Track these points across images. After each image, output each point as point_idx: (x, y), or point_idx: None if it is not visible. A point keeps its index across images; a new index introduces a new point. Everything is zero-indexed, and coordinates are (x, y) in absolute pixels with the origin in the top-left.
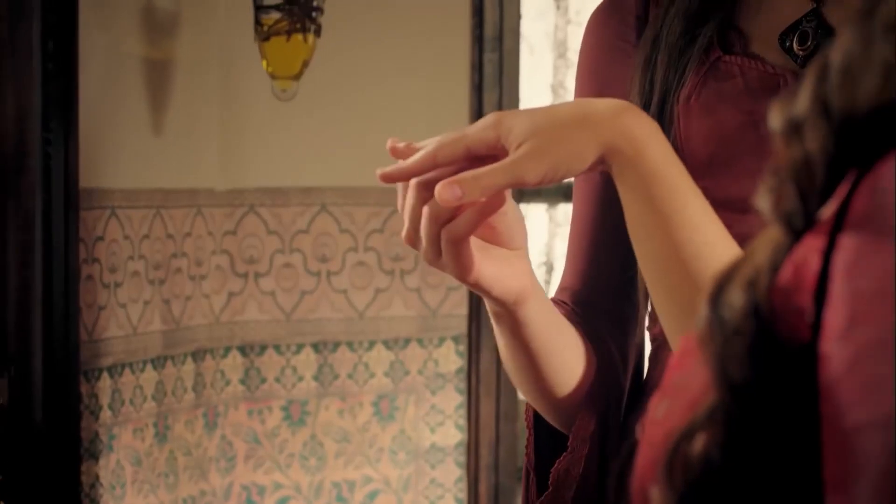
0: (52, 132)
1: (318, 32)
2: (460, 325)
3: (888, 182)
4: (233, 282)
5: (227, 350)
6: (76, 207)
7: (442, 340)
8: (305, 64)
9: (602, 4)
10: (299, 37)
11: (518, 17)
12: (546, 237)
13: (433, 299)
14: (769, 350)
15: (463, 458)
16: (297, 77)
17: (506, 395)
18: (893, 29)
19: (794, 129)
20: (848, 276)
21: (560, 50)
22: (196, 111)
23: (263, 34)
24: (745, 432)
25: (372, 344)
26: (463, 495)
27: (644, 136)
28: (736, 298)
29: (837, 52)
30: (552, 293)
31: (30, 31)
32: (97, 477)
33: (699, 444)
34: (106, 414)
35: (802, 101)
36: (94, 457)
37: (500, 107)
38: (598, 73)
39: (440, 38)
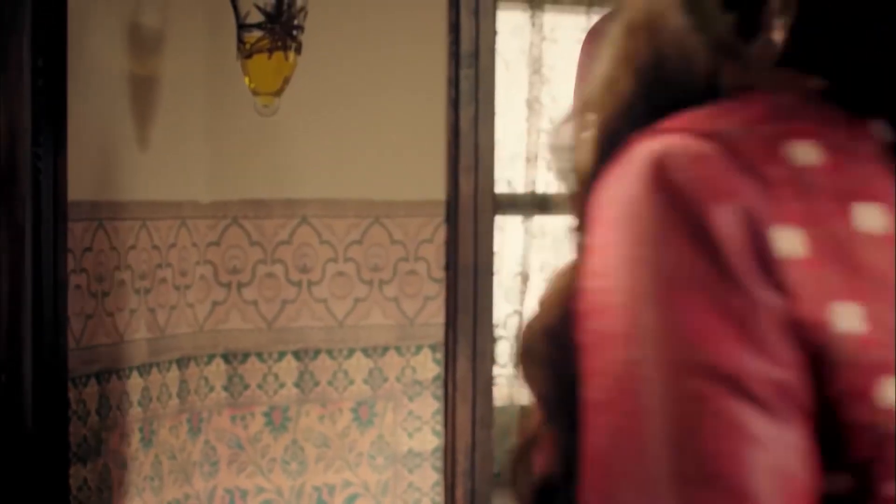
0: (42, 146)
1: (298, 50)
2: (437, 334)
3: (598, 195)
4: (216, 291)
5: (211, 358)
6: (65, 219)
7: (419, 348)
8: (286, 80)
9: (602, 18)
10: (280, 54)
11: (494, 34)
12: (521, 249)
13: (411, 308)
14: (563, 366)
15: (440, 464)
16: (279, 93)
17: (481, 401)
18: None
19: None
20: (584, 275)
21: (535, 66)
22: (181, 126)
23: (246, 52)
24: (563, 443)
25: (351, 352)
26: (440, 499)
27: None
28: (535, 322)
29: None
30: (529, 303)
31: (20, 48)
32: (85, 480)
33: (534, 456)
34: (93, 419)
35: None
36: (83, 461)
37: (475, 121)
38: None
39: (417, 54)
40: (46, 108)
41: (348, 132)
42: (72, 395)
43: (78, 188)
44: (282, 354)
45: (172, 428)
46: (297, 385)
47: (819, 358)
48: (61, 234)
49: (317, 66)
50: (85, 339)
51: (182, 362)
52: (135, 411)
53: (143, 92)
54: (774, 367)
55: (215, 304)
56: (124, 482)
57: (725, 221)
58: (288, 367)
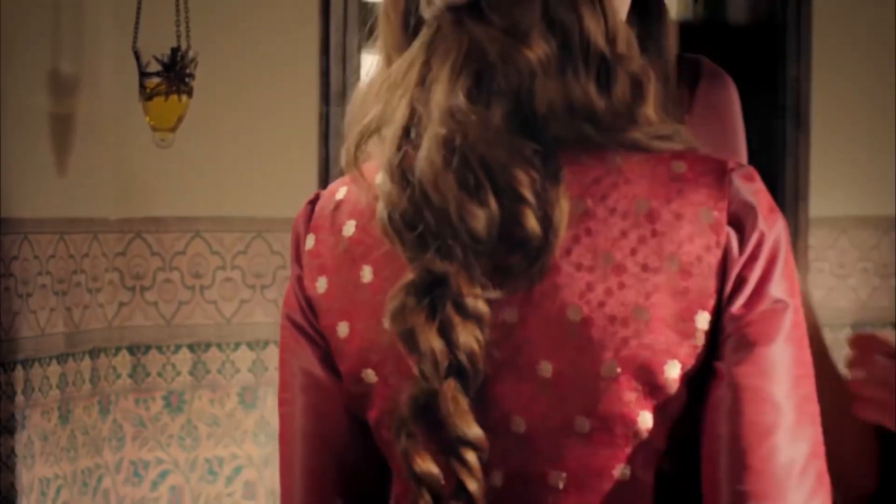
0: None
1: (189, 94)
2: None
3: None
4: (123, 294)
5: (118, 350)
6: None
7: None
8: (180, 119)
9: None
10: (175, 97)
11: (359, 76)
12: None
13: None
14: None
15: None
16: (174, 129)
17: None
18: None
19: None
20: None
21: None
22: (93, 155)
23: (146, 95)
24: None
25: (237, 345)
26: None
27: None
28: None
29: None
30: None
31: None
32: (12, 449)
33: None
34: (19, 398)
35: None
36: (10, 433)
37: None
38: None
39: (293, 95)
40: None
41: (235, 160)
42: (1, 378)
43: (6, 207)
44: (178, 347)
45: (86, 408)
46: (191, 373)
47: (335, 349)
48: None
49: (206, 106)
50: (12, 332)
51: (94, 353)
52: (54, 393)
53: (61, 127)
54: (313, 346)
55: (122, 304)
56: (45, 452)
57: (298, 259)
58: (183, 358)
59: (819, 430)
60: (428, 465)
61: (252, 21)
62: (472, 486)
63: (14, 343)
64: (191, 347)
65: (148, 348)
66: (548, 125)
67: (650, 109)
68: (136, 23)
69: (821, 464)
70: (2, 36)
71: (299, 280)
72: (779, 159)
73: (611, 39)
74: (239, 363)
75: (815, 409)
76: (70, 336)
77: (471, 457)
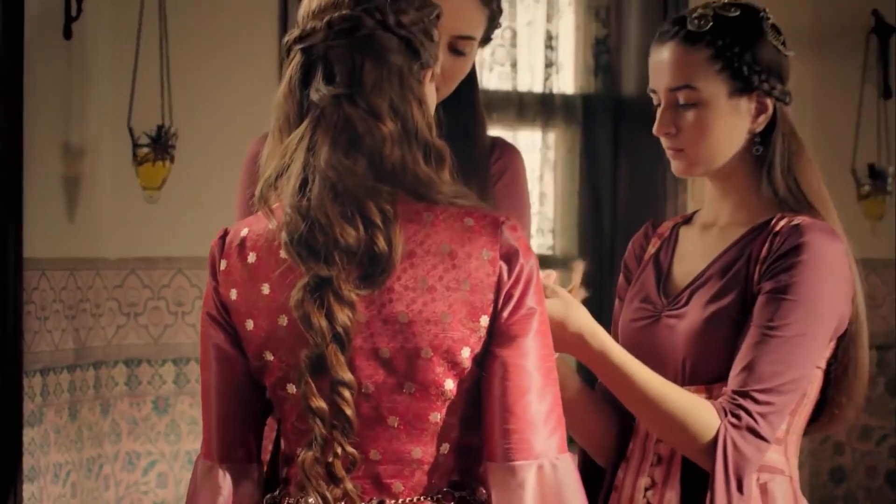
0: (6, 224)
1: (172, 160)
2: None
3: None
4: (120, 318)
5: (116, 363)
6: (21, 269)
7: None
8: (164, 180)
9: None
10: (160, 163)
11: None
12: None
13: None
14: None
15: None
16: (160, 188)
17: None
18: None
19: None
20: None
21: None
22: (96, 208)
23: (138, 161)
24: None
25: None
26: None
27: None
28: None
29: None
30: None
31: None
32: (33, 439)
33: None
34: (38, 399)
35: None
36: (30, 426)
37: None
38: None
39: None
40: (12, 196)
41: (210, 211)
42: (25, 382)
43: (29, 249)
44: (164, 361)
45: (90, 409)
46: (174, 382)
47: (243, 337)
48: (19, 279)
49: (185, 169)
50: (33, 346)
51: (97, 365)
52: (65, 396)
53: (71, 185)
54: (222, 332)
55: (119, 326)
56: (57, 443)
57: (215, 275)
58: (168, 370)
59: (558, 390)
60: (318, 402)
61: (225, 98)
62: (348, 411)
63: (33, 356)
64: (174, 361)
65: (140, 362)
66: (392, 177)
67: (446, 174)
68: (130, 105)
69: (559, 411)
70: (25, 115)
71: (216, 289)
72: (660, 212)
73: (428, 126)
74: None
75: (555, 376)
76: (78, 351)
77: (346, 392)
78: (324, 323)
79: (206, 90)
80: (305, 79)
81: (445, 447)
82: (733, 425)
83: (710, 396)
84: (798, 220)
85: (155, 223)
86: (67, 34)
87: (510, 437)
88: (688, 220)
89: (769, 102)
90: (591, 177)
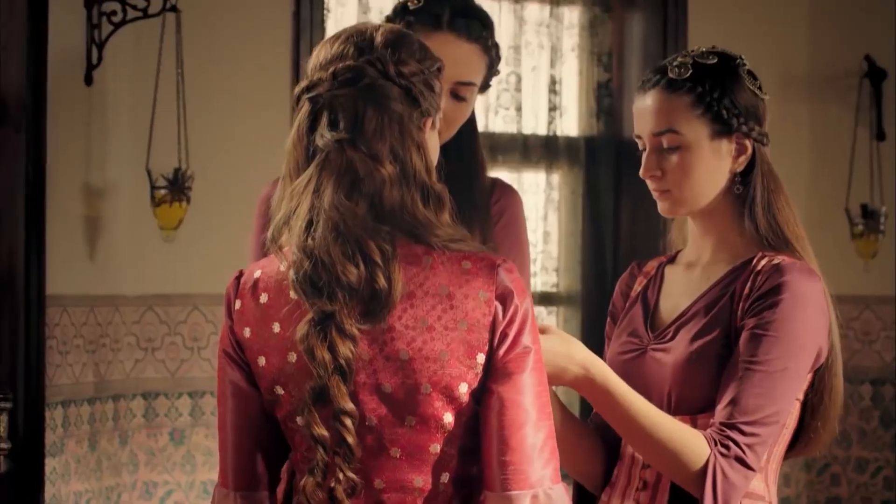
0: (30, 262)
1: (188, 201)
2: None
3: None
4: (138, 353)
5: (134, 396)
6: (44, 306)
7: None
8: (181, 220)
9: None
10: (177, 204)
11: None
12: None
13: None
14: None
15: None
16: (176, 228)
17: None
18: None
19: None
20: None
21: None
22: (115, 247)
23: (156, 202)
24: None
25: None
26: None
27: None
28: None
29: None
30: None
31: (16, 204)
32: (54, 468)
33: None
34: (59, 430)
35: None
36: (53, 456)
37: None
38: None
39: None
40: (36, 235)
41: (224, 249)
42: (47, 414)
43: (51, 286)
44: (180, 394)
45: (109, 439)
46: (190, 414)
47: (255, 372)
48: (42, 315)
49: (201, 210)
50: (55, 380)
51: (115, 398)
52: (85, 427)
53: (91, 226)
54: (237, 370)
55: (137, 361)
56: (78, 472)
57: (230, 314)
58: (184, 403)
59: (552, 423)
60: (321, 430)
61: (238, 143)
62: (350, 439)
63: (56, 388)
64: (190, 394)
65: (157, 395)
66: (391, 218)
67: (446, 216)
68: (148, 148)
69: (553, 443)
70: (48, 158)
71: (231, 328)
72: (660, 250)
73: (428, 171)
74: None
75: (549, 410)
76: (98, 384)
77: (347, 421)
78: (327, 355)
79: (221, 135)
80: (312, 126)
81: (445, 476)
82: (722, 455)
83: (695, 426)
84: (778, 259)
85: (171, 262)
86: (88, 81)
87: (507, 468)
88: (672, 259)
89: (748, 143)
90: (593, 216)
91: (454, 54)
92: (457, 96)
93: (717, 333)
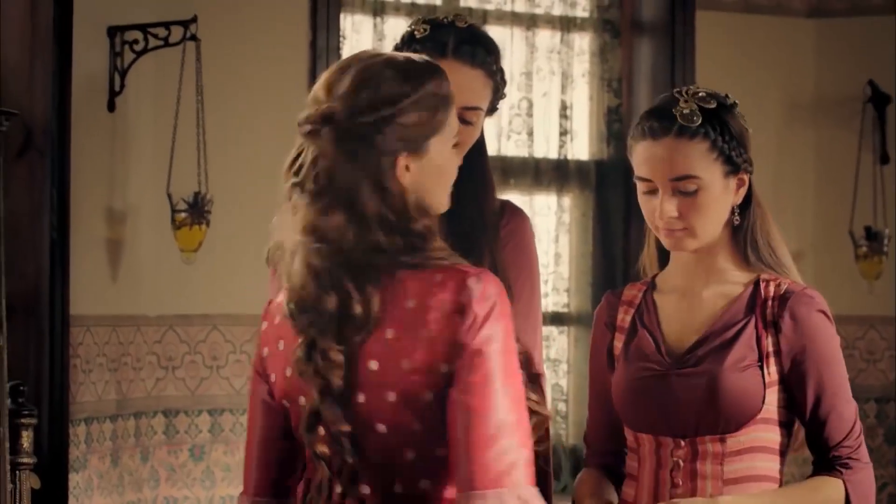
0: (55, 283)
1: (208, 224)
2: None
3: None
4: (159, 371)
5: (155, 413)
6: (68, 326)
7: None
8: (201, 243)
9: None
10: (197, 227)
11: None
12: None
13: None
14: None
15: None
16: (196, 250)
17: None
18: None
19: None
20: None
21: None
22: (137, 269)
23: (176, 226)
24: None
25: (245, 411)
26: None
27: None
28: None
29: None
30: None
31: (42, 227)
32: (77, 484)
33: None
34: (83, 447)
35: None
36: (76, 471)
37: None
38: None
39: None
40: (60, 257)
41: (243, 271)
42: (71, 431)
43: (75, 306)
44: (200, 412)
45: (131, 456)
46: (210, 431)
47: (270, 388)
48: (66, 334)
49: (220, 233)
50: (78, 397)
51: (137, 415)
52: (107, 444)
53: (114, 248)
54: (264, 384)
55: (158, 379)
56: (100, 487)
57: (259, 336)
58: (204, 420)
59: (524, 426)
60: (323, 448)
61: (256, 168)
62: (349, 459)
63: (79, 406)
64: (210, 412)
65: (177, 412)
66: (366, 247)
67: (438, 242)
68: (169, 173)
69: (524, 447)
70: (72, 182)
71: (258, 347)
72: None
73: (390, 206)
74: (246, 424)
75: (520, 413)
76: (120, 402)
77: (346, 442)
78: (317, 381)
79: (239, 160)
80: (295, 159)
81: (425, 483)
82: (851, 474)
83: (723, 446)
84: (786, 283)
85: (191, 283)
86: (111, 107)
87: (474, 470)
88: (652, 286)
89: (746, 177)
90: (603, 238)
91: (460, 81)
92: (464, 121)
93: (747, 356)
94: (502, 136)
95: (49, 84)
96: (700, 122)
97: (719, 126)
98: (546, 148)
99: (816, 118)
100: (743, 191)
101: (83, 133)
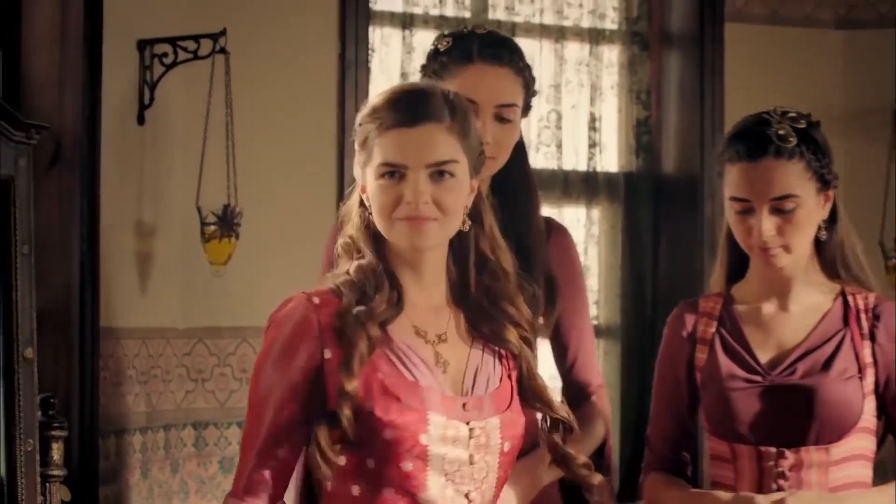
0: (85, 296)
1: (237, 237)
2: None
3: None
4: (188, 384)
5: (185, 425)
6: (98, 338)
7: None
8: (230, 256)
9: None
10: (226, 240)
11: None
12: None
13: None
14: None
15: None
16: (225, 263)
17: None
18: None
19: None
20: None
21: None
22: (167, 282)
23: (205, 238)
24: None
25: None
26: None
27: None
28: None
29: None
30: None
31: (71, 240)
32: (107, 496)
33: None
34: (113, 459)
35: None
36: (106, 484)
37: None
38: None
39: (316, 237)
40: (90, 270)
41: (272, 284)
42: (101, 444)
43: (105, 319)
44: (229, 424)
45: (160, 468)
46: (239, 444)
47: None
48: (96, 347)
49: (248, 246)
50: (109, 410)
51: (167, 427)
52: (137, 456)
53: (144, 261)
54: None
55: (188, 392)
56: (130, 500)
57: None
58: (234, 433)
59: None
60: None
61: (285, 181)
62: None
63: (109, 418)
64: (239, 424)
65: (207, 425)
66: None
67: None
68: (198, 186)
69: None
70: (102, 195)
71: None
72: (698, 284)
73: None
74: None
75: None
76: (149, 414)
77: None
78: None
79: (268, 173)
80: None
81: None
82: None
83: (828, 455)
84: (872, 297)
85: (221, 295)
86: (141, 120)
87: None
88: (730, 299)
89: (832, 193)
90: (632, 251)
91: (491, 81)
92: (501, 119)
93: (848, 368)
94: (531, 149)
95: (79, 97)
96: (795, 142)
97: (813, 146)
98: (575, 160)
99: (845, 130)
100: (829, 206)
101: (113, 146)
